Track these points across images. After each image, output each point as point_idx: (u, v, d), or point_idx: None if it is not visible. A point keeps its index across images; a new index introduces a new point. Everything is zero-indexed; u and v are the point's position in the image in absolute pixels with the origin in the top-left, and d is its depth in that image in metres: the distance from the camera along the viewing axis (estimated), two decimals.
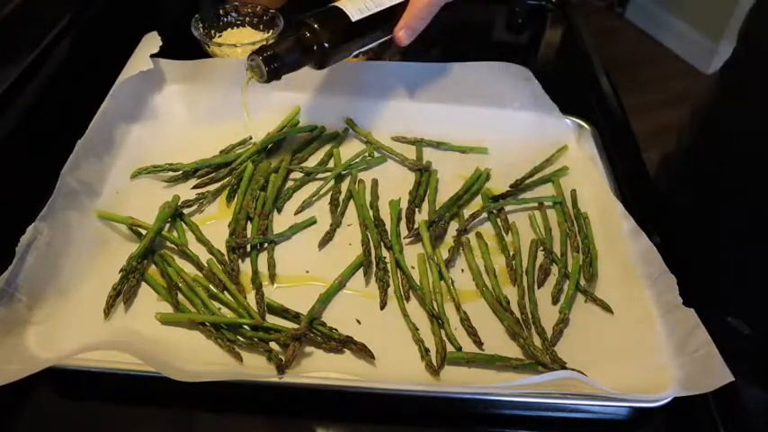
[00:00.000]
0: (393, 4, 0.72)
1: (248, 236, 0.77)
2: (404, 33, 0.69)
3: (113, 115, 0.84)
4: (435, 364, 0.65)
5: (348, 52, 0.74)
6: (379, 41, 0.75)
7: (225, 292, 0.71)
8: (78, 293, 0.70)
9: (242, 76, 0.91)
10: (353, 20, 0.70)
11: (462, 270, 0.76)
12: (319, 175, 0.87)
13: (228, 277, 0.72)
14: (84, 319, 0.67)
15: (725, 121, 0.88)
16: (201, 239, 0.76)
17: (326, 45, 0.70)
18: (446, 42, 1.16)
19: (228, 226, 0.78)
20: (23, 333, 0.64)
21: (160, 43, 0.88)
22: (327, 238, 0.78)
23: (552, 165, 0.90)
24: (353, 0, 0.73)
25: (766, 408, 0.75)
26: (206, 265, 0.74)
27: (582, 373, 0.63)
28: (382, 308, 0.71)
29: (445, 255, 0.77)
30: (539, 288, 0.75)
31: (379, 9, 0.71)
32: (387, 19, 0.72)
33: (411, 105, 0.94)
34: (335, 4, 0.75)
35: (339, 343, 0.66)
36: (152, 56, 0.87)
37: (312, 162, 0.89)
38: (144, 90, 0.91)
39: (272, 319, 0.68)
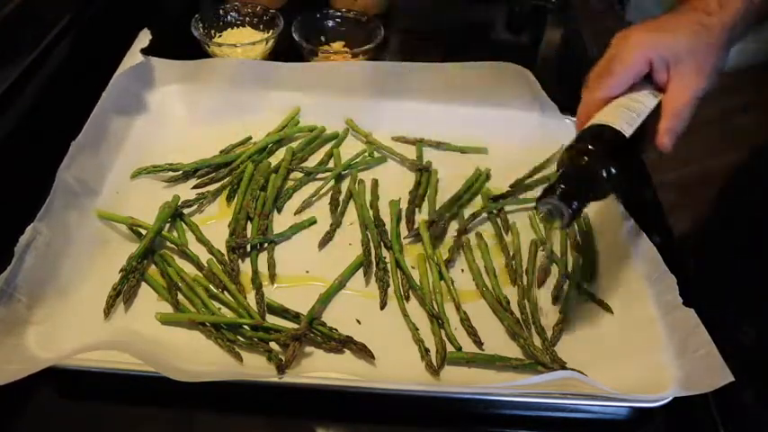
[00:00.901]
0: (650, 110, 0.65)
1: (248, 236, 0.77)
2: (668, 139, 0.63)
3: (111, 113, 0.84)
4: (435, 364, 0.65)
5: (630, 173, 0.66)
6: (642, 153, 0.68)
7: (225, 292, 0.71)
8: (78, 293, 0.70)
9: (242, 75, 0.92)
10: (628, 135, 0.62)
11: (462, 270, 0.76)
12: (319, 175, 0.87)
13: (228, 277, 0.72)
14: (84, 319, 0.67)
15: None
16: (201, 239, 0.76)
17: (614, 170, 0.62)
18: (446, 42, 1.16)
19: (228, 226, 0.78)
20: (23, 333, 0.64)
21: (150, 37, 0.88)
22: (327, 238, 0.78)
23: (552, 165, 0.90)
24: (615, 114, 0.64)
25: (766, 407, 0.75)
26: (206, 265, 0.74)
27: (582, 373, 0.63)
28: (382, 308, 0.71)
29: (445, 255, 0.77)
30: (539, 288, 0.75)
31: (641, 119, 0.64)
32: (646, 127, 0.64)
33: (411, 105, 0.94)
34: (594, 122, 0.65)
35: (339, 343, 0.66)
36: (151, 54, 0.88)
37: (312, 162, 0.89)
38: (144, 90, 0.91)
39: (272, 319, 0.68)
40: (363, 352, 0.65)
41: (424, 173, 0.87)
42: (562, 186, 0.61)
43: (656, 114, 0.66)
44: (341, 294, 0.73)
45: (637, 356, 0.67)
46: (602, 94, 0.66)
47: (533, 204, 0.84)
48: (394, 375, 0.64)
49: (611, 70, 0.66)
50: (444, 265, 0.75)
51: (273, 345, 0.66)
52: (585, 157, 0.62)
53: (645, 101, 0.66)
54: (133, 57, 0.87)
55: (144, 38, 0.89)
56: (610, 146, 0.63)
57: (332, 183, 0.85)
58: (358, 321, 0.70)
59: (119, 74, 0.85)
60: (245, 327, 0.67)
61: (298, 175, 0.87)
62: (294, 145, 0.90)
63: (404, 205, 0.83)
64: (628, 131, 0.63)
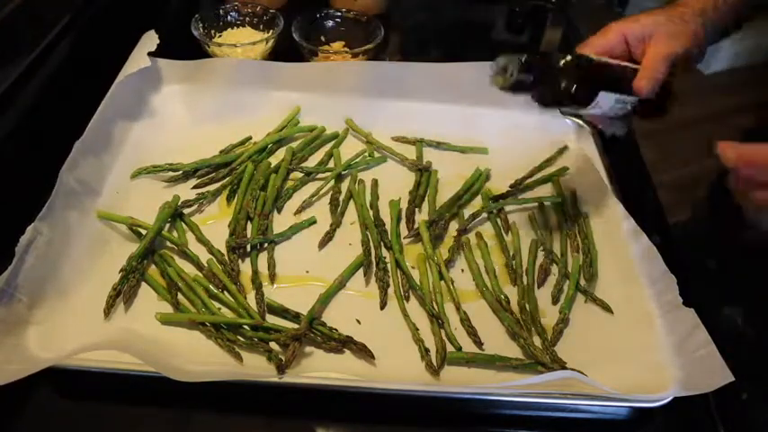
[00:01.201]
0: (620, 66, 0.75)
1: (248, 236, 0.77)
2: (645, 82, 0.72)
3: (112, 114, 0.84)
4: (435, 364, 0.65)
5: (586, 97, 0.73)
6: (616, 100, 0.74)
7: (225, 292, 0.71)
8: (78, 293, 0.70)
9: (242, 75, 0.92)
10: (595, 60, 0.73)
11: (462, 270, 0.76)
12: (319, 175, 0.87)
13: (228, 277, 0.72)
14: (84, 319, 0.67)
15: None
16: (201, 239, 0.76)
17: (573, 84, 0.70)
18: (446, 42, 1.16)
19: (228, 226, 0.78)
20: (23, 333, 0.64)
21: (157, 41, 0.88)
22: (327, 238, 0.78)
23: (552, 165, 0.90)
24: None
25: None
26: (206, 265, 0.74)
27: (582, 373, 0.63)
28: (382, 308, 0.71)
29: (445, 255, 0.77)
30: (539, 288, 0.75)
31: (610, 62, 0.74)
32: (624, 76, 0.74)
33: (411, 105, 0.94)
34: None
35: (339, 343, 0.66)
36: (151, 55, 0.87)
37: (312, 162, 0.89)
38: (144, 90, 0.91)
39: (272, 319, 0.68)
40: (363, 352, 0.65)
41: (424, 173, 0.87)
42: (529, 59, 0.69)
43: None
44: (341, 294, 0.73)
45: (637, 356, 0.67)
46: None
47: (533, 204, 0.84)
48: (394, 375, 0.64)
49: (590, 40, 0.78)
50: (444, 265, 0.75)
51: (273, 345, 0.66)
52: (560, 60, 0.71)
53: (621, 63, 0.76)
54: (138, 59, 0.87)
55: (150, 41, 0.89)
56: (576, 61, 0.72)
57: (332, 183, 0.85)
58: (358, 321, 0.70)
59: (125, 76, 0.85)
60: (245, 327, 0.67)
61: (298, 175, 0.87)
62: (294, 145, 0.90)
63: (404, 205, 0.83)
64: (594, 58, 0.73)
